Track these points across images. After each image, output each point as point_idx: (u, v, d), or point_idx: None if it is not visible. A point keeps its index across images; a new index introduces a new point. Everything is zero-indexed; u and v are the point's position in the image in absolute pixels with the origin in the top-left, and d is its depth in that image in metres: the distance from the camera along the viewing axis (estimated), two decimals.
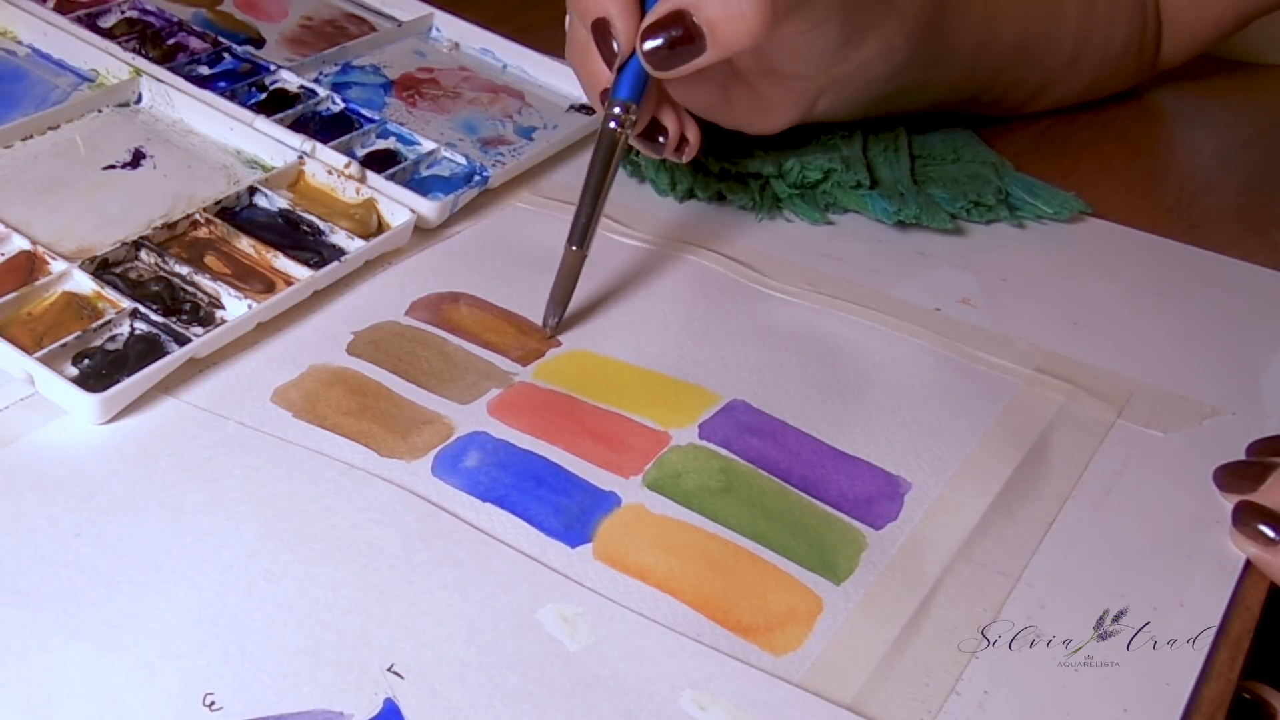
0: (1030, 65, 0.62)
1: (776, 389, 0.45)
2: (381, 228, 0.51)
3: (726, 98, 0.53)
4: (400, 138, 0.57)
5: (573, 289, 0.47)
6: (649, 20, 0.45)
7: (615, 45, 0.46)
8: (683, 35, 0.44)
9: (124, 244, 0.47)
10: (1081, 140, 0.65)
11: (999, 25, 0.59)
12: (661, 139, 0.50)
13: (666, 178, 0.56)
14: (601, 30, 0.46)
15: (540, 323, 0.47)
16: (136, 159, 0.53)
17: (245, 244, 0.49)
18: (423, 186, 0.54)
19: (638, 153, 0.56)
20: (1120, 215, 0.58)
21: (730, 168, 0.56)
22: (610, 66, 0.47)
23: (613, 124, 0.47)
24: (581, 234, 0.47)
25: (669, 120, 0.49)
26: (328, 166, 0.53)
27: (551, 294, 0.47)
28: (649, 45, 0.45)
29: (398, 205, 0.52)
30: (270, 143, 0.54)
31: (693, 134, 0.50)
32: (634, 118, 0.47)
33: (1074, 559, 0.39)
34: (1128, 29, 0.65)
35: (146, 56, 0.58)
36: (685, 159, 0.51)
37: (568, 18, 0.50)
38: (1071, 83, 0.65)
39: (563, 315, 0.47)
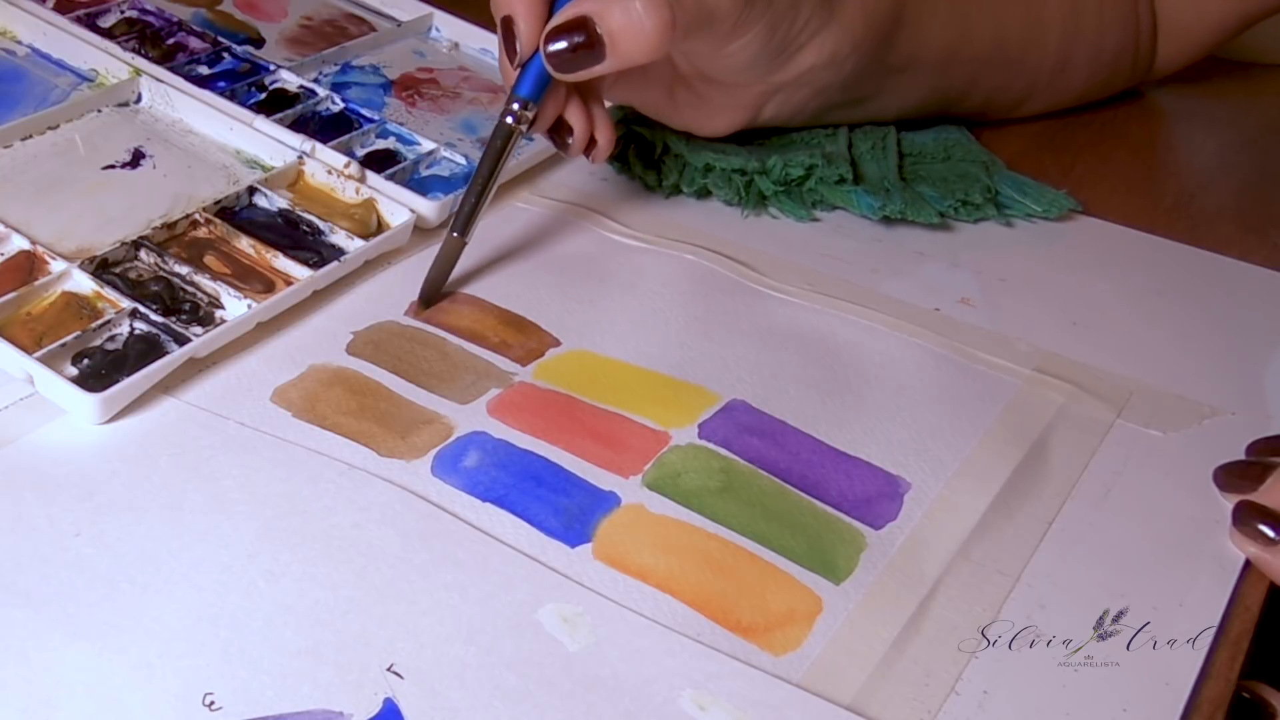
0: (1012, 74, 0.62)
1: (776, 389, 0.45)
2: (381, 227, 0.51)
3: (672, 99, 0.54)
4: (400, 138, 0.57)
5: (449, 274, 0.49)
6: (553, 23, 0.46)
7: (518, 45, 0.47)
8: (584, 41, 0.45)
9: (124, 244, 0.47)
10: (1081, 140, 0.65)
11: (970, 37, 0.59)
12: (569, 139, 0.50)
13: (653, 174, 0.57)
14: (506, 28, 0.47)
15: (524, 314, 0.48)
16: (136, 159, 0.53)
17: (245, 244, 0.49)
18: (422, 186, 0.54)
19: (626, 151, 0.56)
20: (1119, 215, 0.58)
21: (714, 163, 0.56)
22: (512, 64, 0.48)
23: (509, 118, 0.48)
24: (464, 222, 0.48)
25: (575, 120, 0.50)
26: (327, 166, 0.53)
27: (427, 276, 0.48)
28: (552, 48, 0.46)
29: (397, 205, 0.52)
30: (270, 143, 0.54)
31: (602, 136, 0.51)
32: (530, 114, 0.48)
33: (1074, 559, 0.39)
34: (1119, 35, 0.65)
35: (146, 56, 0.58)
36: (595, 160, 0.52)
37: None
38: (1062, 89, 0.65)
39: (434, 300, 0.48)
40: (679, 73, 0.53)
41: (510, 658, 0.34)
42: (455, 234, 0.48)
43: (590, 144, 0.51)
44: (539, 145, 0.58)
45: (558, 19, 0.46)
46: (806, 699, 0.34)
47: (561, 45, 0.46)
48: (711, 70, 0.52)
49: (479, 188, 0.48)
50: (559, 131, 0.50)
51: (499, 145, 0.48)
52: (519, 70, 0.48)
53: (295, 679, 0.33)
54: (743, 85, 0.53)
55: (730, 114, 0.55)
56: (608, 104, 0.52)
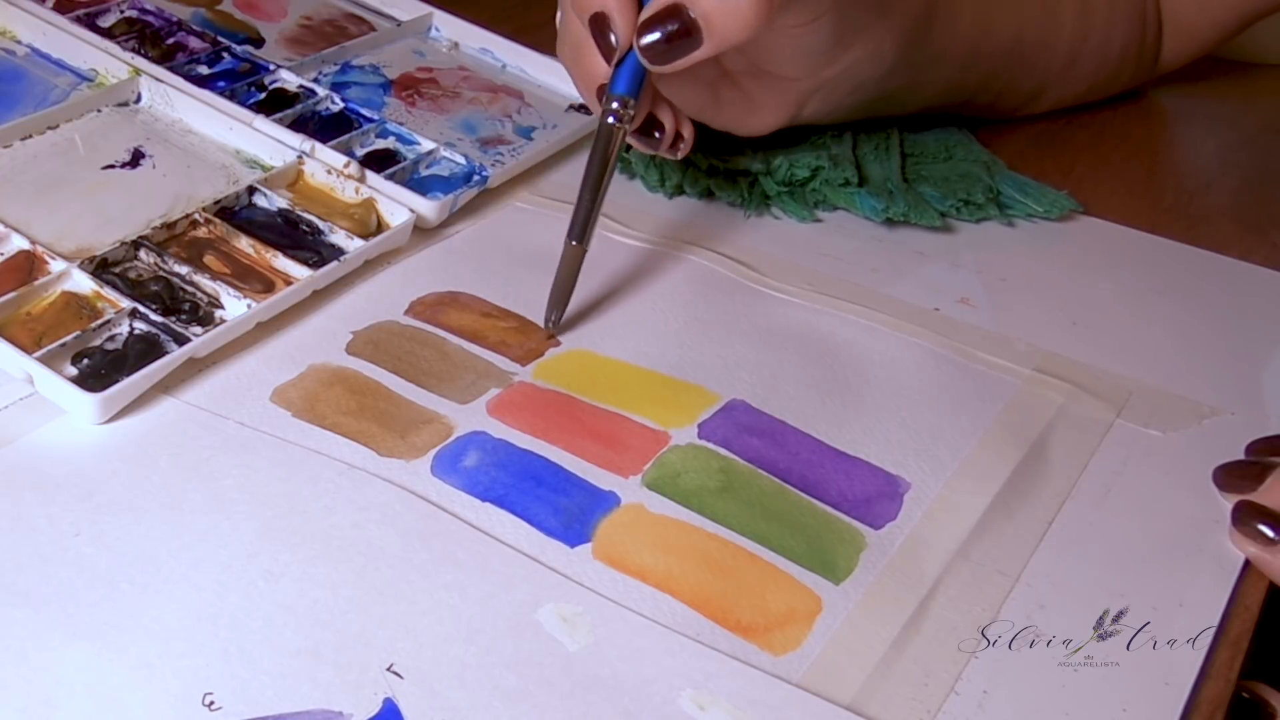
0: (1026, 70, 0.62)
1: (776, 389, 0.45)
2: (381, 227, 0.51)
3: (716, 99, 0.53)
4: (399, 137, 0.57)
5: (573, 285, 0.47)
6: (646, 14, 0.45)
7: (613, 39, 0.46)
8: (680, 29, 0.44)
9: (123, 244, 0.47)
10: (1081, 140, 0.65)
11: (992, 31, 0.59)
12: (657, 135, 0.50)
13: (655, 174, 0.57)
14: (600, 25, 0.46)
15: (541, 321, 0.47)
16: (136, 159, 0.53)
17: (244, 244, 0.49)
18: (422, 186, 0.54)
19: (628, 149, 0.56)
20: (1119, 215, 0.58)
21: (719, 164, 0.56)
22: (608, 61, 0.47)
23: (611, 119, 0.46)
24: (581, 229, 0.47)
25: (665, 116, 0.49)
26: (327, 166, 0.53)
27: (552, 291, 0.47)
28: (646, 40, 0.45)
29: (397, 205, 0.52)
30: (269, 142, 0.54)
31: (687, 131, 0.50)
32: (632, 112, 0.47)
33: (1073, 559, 0.39)
34: (1126, 32, 0.65)
35: (146, 56, 0.58)
36: (679, 155, 0.51)
37: (558, 15, 0.50)
38: (1069, 86, 0.65)
39: (563, 312, 0.47)
40: (724, 70, 0.52)
41: (510, 657, 0.34)
42: (575, 243, 0.46)
43: (676, 139, 0.50)
44: (538, 146, 0.58)
45: (650, 9, 0.45)
46: (806, 699, 0.34)
47: (656, 36, 0.45)
48: (773, 62, 0.51)
49: (590, 193, 0.47)
50: (648, 128, 0.49)
51: (604, 148, 0.46)
52: (613, 68, 0.47)
53: (295, 679, 0.33)
54: (794, 79, 0.52)
55: (774, 112, 0.54)
56: None
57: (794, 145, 0.57)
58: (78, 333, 0.43)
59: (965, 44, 0.58)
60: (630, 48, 0.46)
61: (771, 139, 0.57)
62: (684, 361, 0.46)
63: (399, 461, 0.41)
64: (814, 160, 0.56)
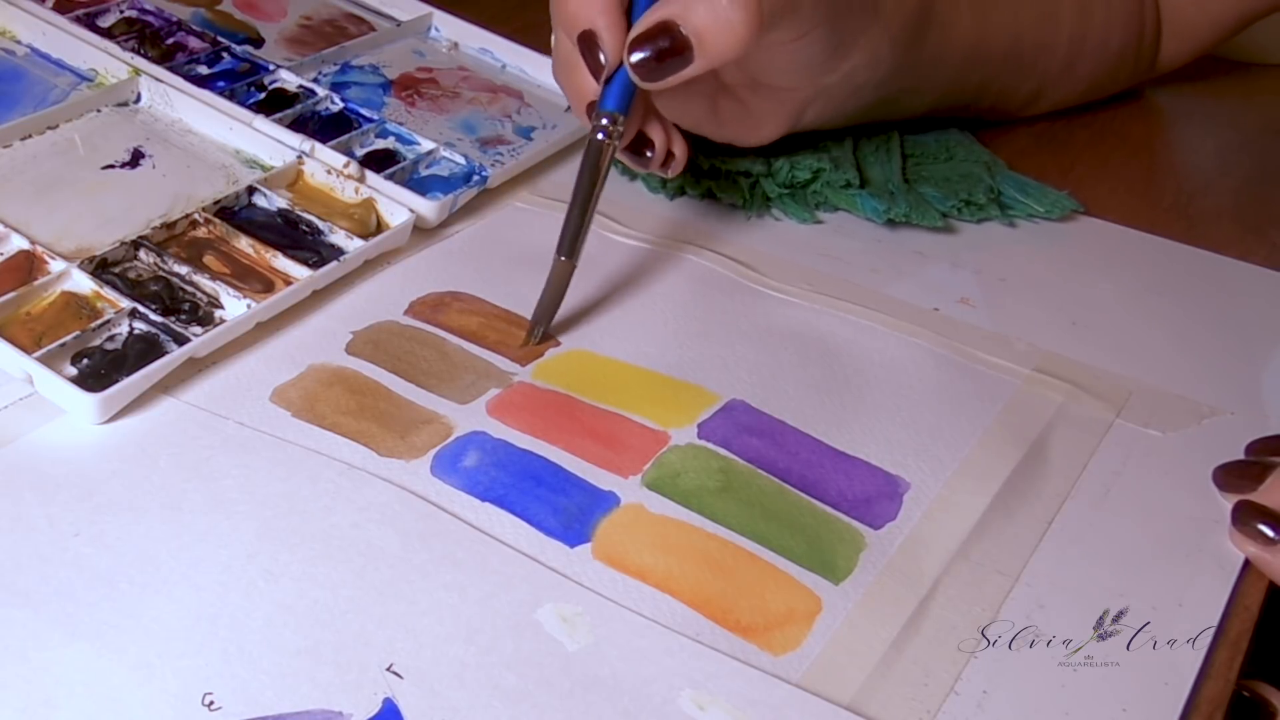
0: (1024, 72, 0.62)
1: (775, 389, 0.45)
2: (380, 227, 0.51)
3: (715, 112, 0.53)
4: (399, 137, 0.57)
5: (560, 301, 0.47)
6: (636, 31, 0.45)
7: (602, 57, 0.46)
8: (671, 46, 0.44)
9: (123, 244, 0.47)
10: (1080, 140, 0.65)
11: (989, 34, 0.59)
12: (649, 153, 0.49)
13: (656, 176, 0.56)
14: (588, 42, 0.46)
15: (523, 312, 0.47)
16: (135, 159, 0.53)
17: (244, 244, 0.49)
18: (422, 186, 0.54)
19: (621, 166, 0.56)
20: (1119, 215, 0.58)
21: (720, 165, 0.56)
22: (597, 78, 0.47)
23: (600, 135, 0.47)
24: (570, 244, 0.46)
25: (656, 134, 0.49)
26: (327, 166, 0.53)
27: (538, 305, 0.47)
28: (637, 57, 0.45)
29: (397, 205, 0.52)
30: (269, 142, 0.54)
31: (679, 149, 0.50)
32: (621, 129, 0.47)
33: (1073, 559, 0.39)
34: (1124, 32, 0.65)
35: (145, 56, 0.58)
36: (672, 174, 0.51)
37: (554, 34, 0.50)
38: (1068, 87, 0.65)
39: (548, 327, 0.47)
40: (722, 83, 0.52)
41: (509, 657, 0.34)
42: (564, 258, 0.46)
43: (667, 157, 0.50)
44: (538, 146, 0.58)
45: (640, 26, 0.45)
46: (806, 699, 0.34)
47: (647, 53, 0.44)
48: (770, 74, 0.51)
49: (580, 210, 0.46)
50: (638, 146, 0.49)
51: (593, 162, 0.47)
52: (603, 84, 0.47)
53: (295, 679, 0.33)
54: (792, 89, 0.52)
55: (773, 123, 0.54)
56: None
57: (795, 147, 0.57)
58: (77, 333, 0.43)
59: (963, 47, 0.58)
60: (619, 65, 0.46)
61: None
62: (684, 361, 0.46)
63: (399, 461, 0.41)
64: (815, 162, 0.56)
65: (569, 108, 0.61)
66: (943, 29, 0.56)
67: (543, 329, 0.47)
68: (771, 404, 0.45)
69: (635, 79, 0.45)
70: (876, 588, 0.38)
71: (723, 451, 0.42)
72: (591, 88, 0.47)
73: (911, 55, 0.54)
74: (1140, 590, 0.38)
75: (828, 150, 0.57)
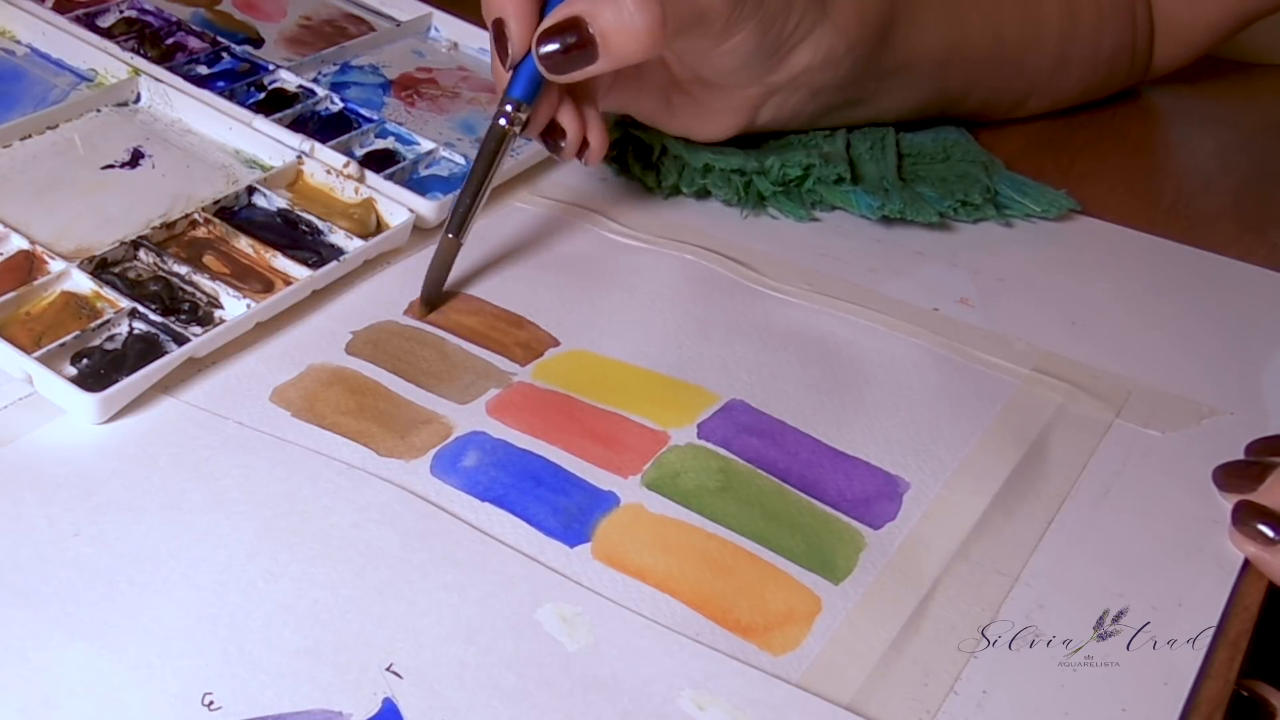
0: (1011, 74, 0.62)
1: (775, 389, 0.45)
2: (380, 227, 0.51)
3: (668, 105, 0.54)
4: (399, 137, 0.57)
5: (446, 275, 0.48)
6: (545, 25, 0.46)
7: (510, 46, 0.47)
8: (576, 42, 0.45)
9: (123, 244, 0.47)
10: (1079, 140, 0.65)
11: (968, 37, 0.59)
12: (562, 142, 0.50)
13: (652, 174, 0.57)
14: (498, 30, 0.48)
15: (518, 312, 0.48)
16: (135, 159, 0.53)
17: (244, 243, 0.49)
18: (421, 186, 0.54)
19: (624, 152, 0.57)
20: (1118, 215, 0.58)
21: (715, 163, 0.56)
22: (504, 66, 0.48)
23: (501, 121, 0.48)
24: (460, 223, 0.48)
25: (569, 122, 0.50)
26: (326, 166, 0.53)
27: (426, 278, 0.48)
28: (544, 49, 0.46)
29: (396, 205, 0.52)
30: (269, 142, 0.54)
31: (595, 138, 0.51)
32: (524, 116, 0.48)
33: (1072, 559, 0.39)
34: (1116, 33, 0.65)
35: (145, 56, 0.58)
36: (589, 163, 0.51)
37: None
38: (1060, 89, 0.65)
39: (435, 302, 0.48)
40: (674, 78, 0.53)
41: (509, 657, 0.34)
42: (450, 234, 0.48)
43: (583, 147, 0.51)
44: (537, 146, 0.58)
45: (549, 20, 0.46)
46: (805, 699, 0.34)
47: (554, 46, 0.46)
48: (706, 72, 0.52)
49: (474, 189, 0.48)
50: (552, 134, 0.50)
51: (492, 147, 0.48)
52: (511, 72, 0.48)
53: (294, 679, 0.33)
54: (738, 87, 0.53)
55: (726, 118, 0.55)
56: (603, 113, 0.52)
57: (787, 146, 0.57)
58: (77, 333, 0.43)
59: (936, 52, 0.58)
60: (526, 53, 0.47)
61: (765, 139, 0.57)
62: (683, 361, 0.46)
63: (398, 461, 0.41)
64: (806, 159, 0.56)
65: None
66: (909, 35, 0.56)
67: (429, 303, 0.48)
68: (771, 404, 0.45)
69: (542, 70, 0.47)
70: (876, 588, 0.38)
71: (722, 451, 0.42)
72: (502, 75, 0.48)
73: (876, 59, 0.55)
74: (1140, 590, 0.38)
75: (819, 147, 0.57)
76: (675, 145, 0.56)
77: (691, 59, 0.51)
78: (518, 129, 0.48)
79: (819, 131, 0.58)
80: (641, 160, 0.57)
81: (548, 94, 0.48)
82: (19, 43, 0.59)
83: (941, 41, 0.58)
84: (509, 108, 0.48)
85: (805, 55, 0.52)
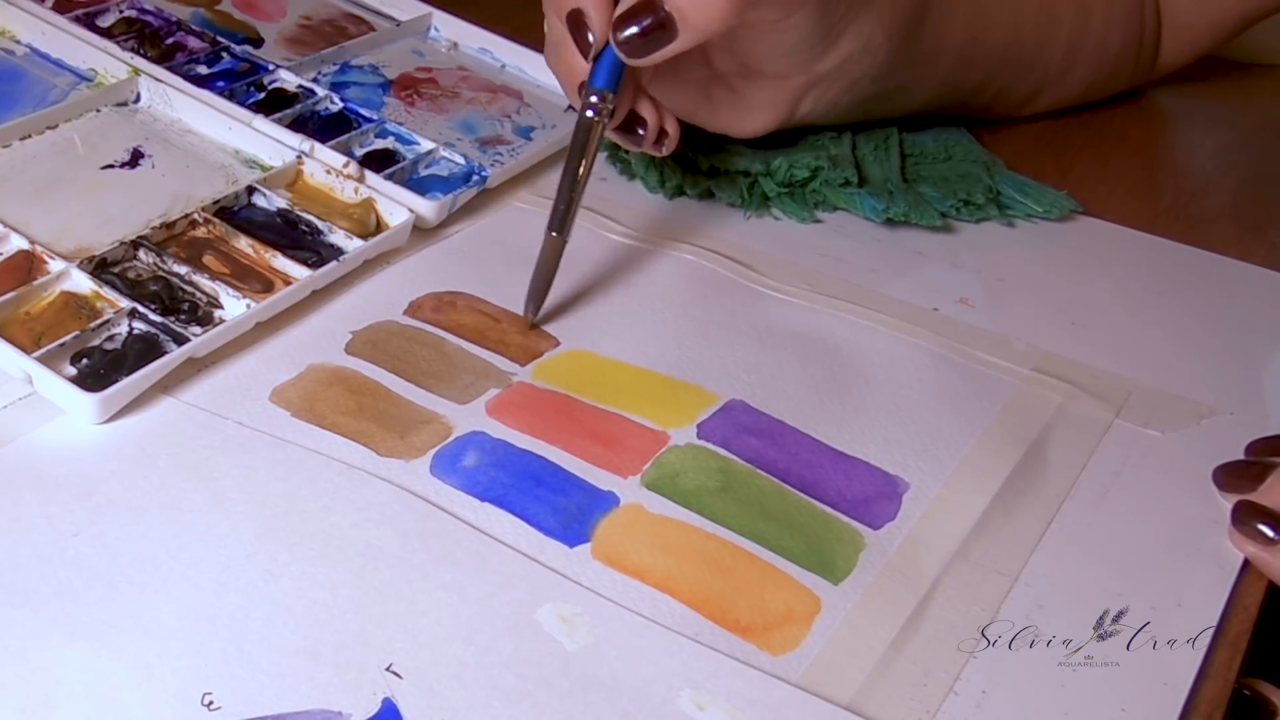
0: (1024, 69, 0.62)
1: (775, 389, 0.45)
2: (380, 227, 0.51)
3: (709, 100, 0.54)
4: (399, 137, 0.57)
5: (553, 277, 0.48)
6: (621, 9, 0.46)
7: (590, 36, 0.47)
8: (654, 22, 0.45)
9: (122, 243, 0.47)
10: (1080, 140, 0.65)
11: (989, 29, 0.59)
12: (640, 131, 0.50)
13: (655, 175, 0.57)
14: (576, 22, 0.47)
15: (521, 312, 0.48)
16: (135, 158, 0.53)
17: (244, 243, 0.49)
18: (421, 186, 0.54)
19: (628, 150, 0.56)
20: (1118, 215, 0.58)
21: (719, 165, 0.56)
22: (586, 57, 0.48)
23: (590, 112, 0.47)
24: (561, 220, 0.47)
25: (647, 112, 0.50)
26: (326, 166, 0.53)
27: (532, 282, 0.47)
28: (623, 34, 0.46)
29: (396, 205, 0.52)
30: (269, 142, 0.54)
31: (671, 127, 0.51)
32: (610, 107, 0.47)
33: (1072, 559, 0.39)
34: (1124, 31, 0.65)
35: (145, 56, 0.58)
36: (665, 152, 0.51)
37: (546, 19, 0.50)
38: (1067, 86, 0.65)
39: (542, 303, 0.48)
40: (714, 71, 0.53)
41: (509, 657, 0.34)
42: (554, 234, 0.47)
43: (660, 135, 0.51)
44: (537, 145, 0.58)
45: (625, 4, 0.46)
46: (805, 699, 0.34)
47: (633, 30, 0.45)
48: (755, 58, 0.51)
49: (569, 186, 0.47)
50: (630, 125, 0.50)
51: (583, 140, 0.47)
52: (592, 63, 0.48)
53: (294, 679, 0.33)
54: (784, 76, 0.53)
55: (766, 112, 0.54)
56: None
57: (793, 146, 0.57)
58: (77, 332, 0.43)
59: (961, 41, 0.58)
60: (607, 43, 0.47)
61: (770, 140, 0.57)
62: (683, 361, 0.46)
63: (398, 461, 0.41)
64: (813, 161, 0.56)
65: (569, 107, 0.61)
66: (940, 21, 0.56)
67: (537, 306, 0.47)
68: (771, 404, 0.45)
69: (622, 56, 0.46)
70: (876, 588, 0.38)
71: (722, 451, 0.42)
72: (581, 67, 0.48)
73: (909, 48, 0.55)
74: (1140, 590, 0.38)
75: (826, 149, 0.57)
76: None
77: (748, 41, 0.50)
78: (607, 119, 0.48)
79: (826, 132, 0.58)
80: (645, 160, 0.57)
81: (626, 85, 0.48)
82: (19, 42, 0.59)
83: (966, 32, 0.58)
84: (594, 99, 0.47)
85: (848, 43, 0.52)
